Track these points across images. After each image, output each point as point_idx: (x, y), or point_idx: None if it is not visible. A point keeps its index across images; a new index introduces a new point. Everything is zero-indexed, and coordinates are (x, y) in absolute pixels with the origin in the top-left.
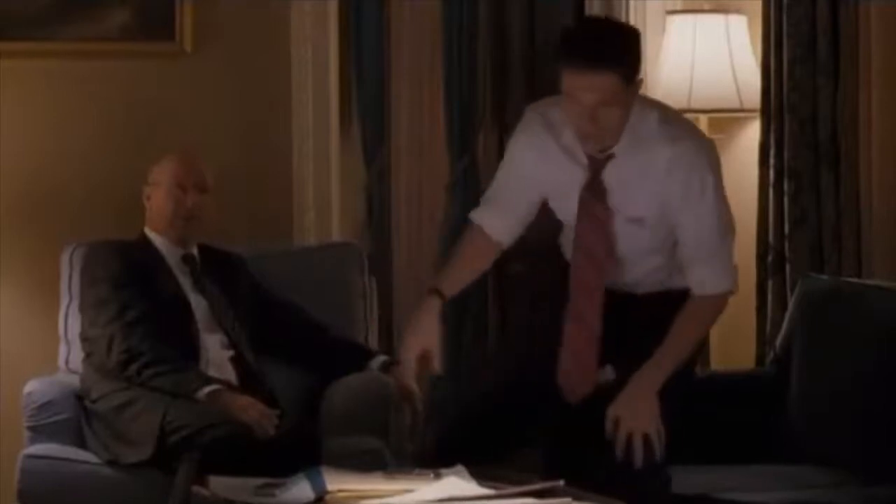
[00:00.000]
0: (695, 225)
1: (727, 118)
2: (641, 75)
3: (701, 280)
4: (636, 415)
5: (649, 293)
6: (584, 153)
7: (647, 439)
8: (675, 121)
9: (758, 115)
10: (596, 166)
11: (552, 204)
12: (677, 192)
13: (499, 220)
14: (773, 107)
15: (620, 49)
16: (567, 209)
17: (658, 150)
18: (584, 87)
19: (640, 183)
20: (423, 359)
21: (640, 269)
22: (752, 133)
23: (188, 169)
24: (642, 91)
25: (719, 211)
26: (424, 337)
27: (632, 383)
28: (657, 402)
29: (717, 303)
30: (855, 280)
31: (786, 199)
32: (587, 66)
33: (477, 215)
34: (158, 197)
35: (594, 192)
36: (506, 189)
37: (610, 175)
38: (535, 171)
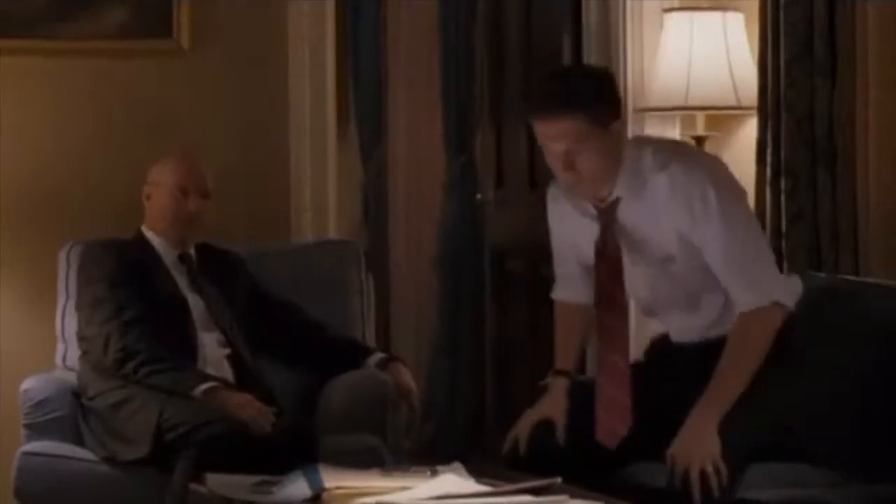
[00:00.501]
0: (712, 244)
1: (724, 116)
2: (621, 117)
3: (738, 298)
4: (691, 451)
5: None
6: (592, 206)
7: (704, 475)
8: (669, 149)
9: (755, 112)
10: (605, 215)
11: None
12: (685, 217)
13: (569, 289)
14: (771, 104)
15: (583, 92)
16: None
17: (656, 181)
18: (550, 134)
19: (653, 220)
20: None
21: (707, 313)
22: (749, 131)
23: (190, 172)
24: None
25: (733, 222)
26: (546, 408)
27: (688, 420)
28: (715, 436)
29: (763, 320)
30: (852, 278)
31: (783, 197)
32: (548, 112)
33: (553, 294)
34: (159, 198)
35: (606, 239)
36: (559, 260)
37: (624, 219)
38: (566, 237)
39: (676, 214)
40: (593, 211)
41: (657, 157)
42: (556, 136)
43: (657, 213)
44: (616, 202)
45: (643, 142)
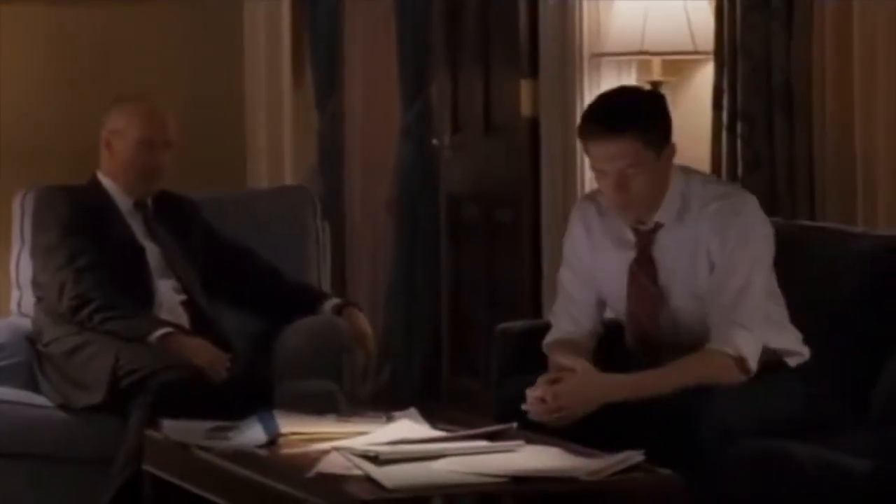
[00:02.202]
0: (723, 276)
1: (680, 61)
2: (673, 140)
3: (714, 332)
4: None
5: None
6: (630, 231)
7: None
8: (718, 182)
9: (711, 57)
10: (644, 240)
11: (606, 299)
12: (718, 248)
13: (569, 322)
14: (727, 50)
15: (637, 113)
16: (617, 298)
17: (703, 210)
18: (605, 155)
19: (691, 248)
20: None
21: None
22: (705, 76)
23: (156, 124)
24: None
25: (753, 269)
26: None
27: (598, 376)
28: (596, 402)
29: (715, 362)
30: (809, 223)
31: (739, 142)
32: (604, 133)
33: (549, 337)
34: (122, 149)
35: (642, 264)
36: (567, 292)
37: (662, 249)
38: (585, 263)
39: (713, 244)
40: (629, 236)
41: (708, 188)
42: (611, 157)
43: (697, 241)
44: (656, 227)
45: (690, 171)
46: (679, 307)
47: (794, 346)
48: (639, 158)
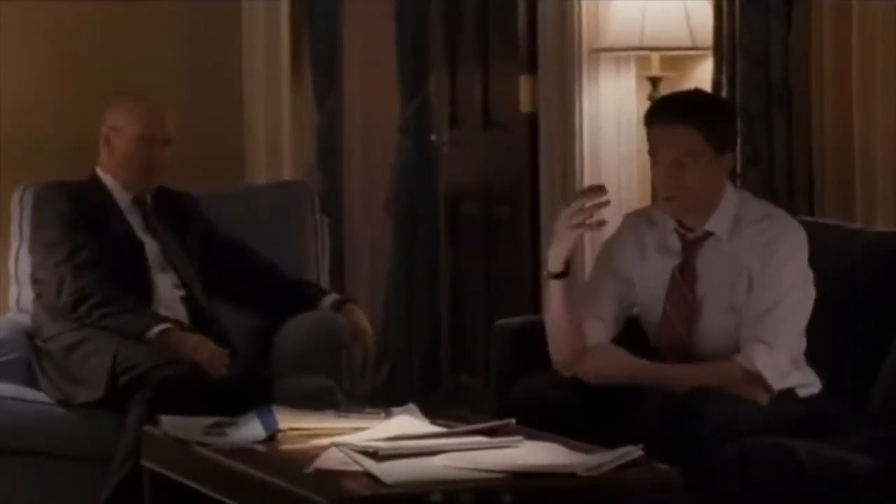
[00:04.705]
0: (759, 298)
1: (679, 56)
2: (734, 152)
3: (744, 347)
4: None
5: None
6: (677, 239)
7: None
8: (769, 205)
9: (710, 53)
10: (690, 248)
11: (641, 306)
12: (758, 266)
13: (597, 324)
14: (726, 46)
15: (701, 108)
16: (653, 305)
17: (754, 226)
18: (664, 140)
19: (735, 263)
20: None
21: None
22: (704, 72)
23: (153, 120)
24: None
25: (790, 295)
26: None
27: (621, 352)
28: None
29: (736, 374)
30: (808, 218)
31: (738, 138)
32: (665, 119)
33: (596, 338)
34: (120, 145)
35: (684, 272)
36: (602, 294)
37: (705, 260)
38: (625, 270)
39: (756, 262)
40: (674, 245)
41: (758, 208)
42: (668, 143)
43: (741, 257)
44: (706, 235)
45: (743, 191)
46: (712, 320)
47: (802, 382)
48: (695, 150)
